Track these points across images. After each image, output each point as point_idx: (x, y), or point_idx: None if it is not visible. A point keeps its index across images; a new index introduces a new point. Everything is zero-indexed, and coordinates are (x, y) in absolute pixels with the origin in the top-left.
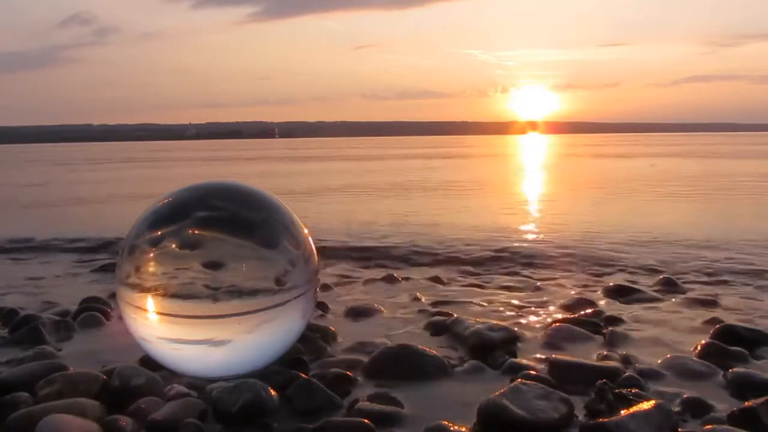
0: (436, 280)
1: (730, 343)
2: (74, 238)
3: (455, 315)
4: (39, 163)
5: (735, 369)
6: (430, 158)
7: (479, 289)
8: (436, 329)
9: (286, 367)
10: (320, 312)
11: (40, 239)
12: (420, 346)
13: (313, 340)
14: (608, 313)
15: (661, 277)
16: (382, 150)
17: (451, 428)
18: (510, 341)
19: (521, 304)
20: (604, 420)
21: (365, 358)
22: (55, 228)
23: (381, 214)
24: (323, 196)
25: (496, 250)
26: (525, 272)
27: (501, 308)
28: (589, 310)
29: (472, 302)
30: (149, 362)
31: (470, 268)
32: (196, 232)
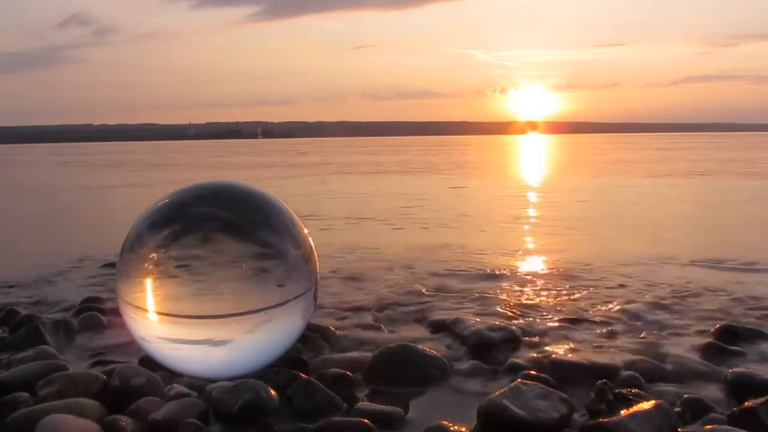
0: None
1: (729, 342)
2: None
3: (455, 314)
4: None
5: (735, 369)
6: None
7: (479, 289)
8: (436, 329)
9: (286, 367)
10: (320, 312)
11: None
12: (420, 346)
13: (313, 340)
14: (608, 314)
15: (660, 274)
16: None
17: (451, 428)
18: (510, 341)
19: (521, 303)
20: (604, 420)
21: (365, 358)
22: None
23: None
24: None
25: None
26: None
27: (501, 308)
28: (589, 310)
29: (472, 302)
30: (149, 362)
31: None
32: (196, 232)
